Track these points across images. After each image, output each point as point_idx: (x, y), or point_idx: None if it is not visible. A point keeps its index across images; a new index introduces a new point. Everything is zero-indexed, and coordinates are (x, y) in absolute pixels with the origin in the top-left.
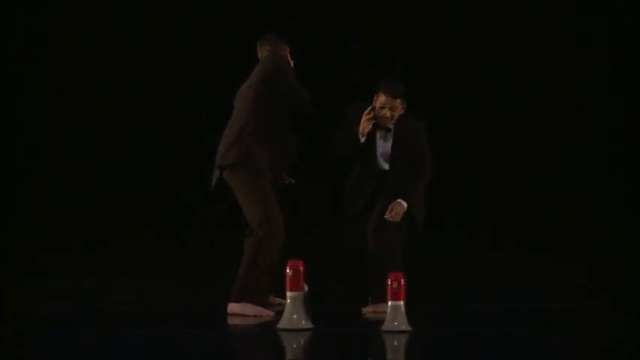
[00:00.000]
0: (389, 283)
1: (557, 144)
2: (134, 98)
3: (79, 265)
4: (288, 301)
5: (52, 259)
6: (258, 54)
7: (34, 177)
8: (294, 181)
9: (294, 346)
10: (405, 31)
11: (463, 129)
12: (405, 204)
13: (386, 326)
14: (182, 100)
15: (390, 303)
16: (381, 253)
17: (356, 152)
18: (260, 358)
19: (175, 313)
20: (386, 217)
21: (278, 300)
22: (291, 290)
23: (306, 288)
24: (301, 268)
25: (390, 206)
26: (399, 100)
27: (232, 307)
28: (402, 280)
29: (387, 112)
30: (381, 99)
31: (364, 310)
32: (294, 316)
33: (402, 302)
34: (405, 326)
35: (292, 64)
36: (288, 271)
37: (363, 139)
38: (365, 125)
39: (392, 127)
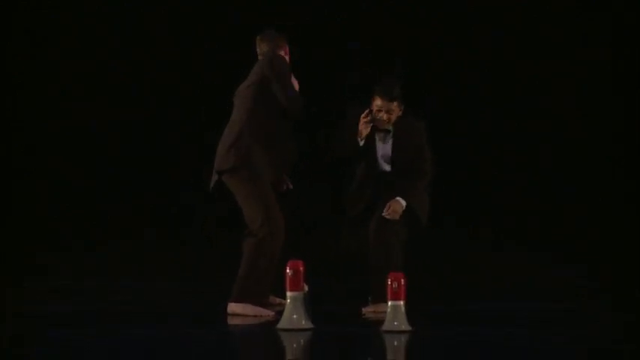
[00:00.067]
0: (389, 283)
1: (557, 144)
2: (134, 98)
3: (79, 265)
4: (288, 301)
5: (52, 259)
6: (257, 49)
7: (34, 177)
8: (291, 186)
9: (294, 346)
10: (405, 31)
11: (463, 129)
12: (403, 202)
13: (386, 326)
14: (182, 100)
15: (390, 303)
16: (381, 253)
17: (355, 154)
18: (260, 358)
19: (175, 313)
20: (384, 214)
21: (278, 300)
22: (291, 290)
23: (306, 288)
24: (301, 268)
25: (388, 204)
26: (395, 103)
27: (232, 307)
28: (402, 280)
29: (383, 115)
30: (377, 102)
31: (364, 310)
32: (294, 316)
33: (402, 302)
34: (405, 326)
35: (289, 61)
36: (288, 271)
37: (362, 143)
38: (363, 129)
39: (391, 128)
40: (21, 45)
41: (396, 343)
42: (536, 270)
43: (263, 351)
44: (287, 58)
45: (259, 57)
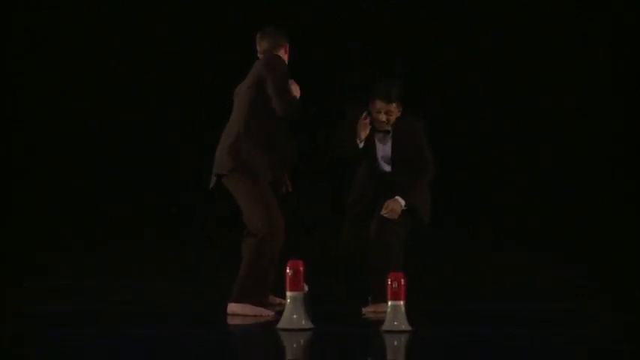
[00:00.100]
0: (389, 283)
1: (557, 144)
2: (134, 98)
3: (79, 265)
4: (288, 301)
5: (52, 259)
6: (257, 46)
7: (34, 177)
8: (291, 189)
9: (294, 346)
10: (405, 31)
11: (463, 129)
12: (402, 201)
13: (386, 326)
14: (182, 100)
15: (390, 303)
16: (381, 253)
17: (356, 155)
18: (260, 358)
19: (175, 313)
20: (382, 213)
21: (278, 300)
22: (291, 290)
23: (306, 288)
24: (301, 268)
25: (386, 203)
26: (394, 104)
27: (232, 307)
28: (402, 280)
29: (383, 117)
30: (376, 104)
31: (364, 310)
32: (294, 316)
33: (402, 302)
34: (405, 326)
35: (287, 59)
36: (288, 271)
37: (361, 145)
38: (362, 131)
39: (390, 129)
40: (21, 45)
41: (396, 343)
42: (536, 270)
43: (263, 351)
44: (286, 56)
45: (259, 55)
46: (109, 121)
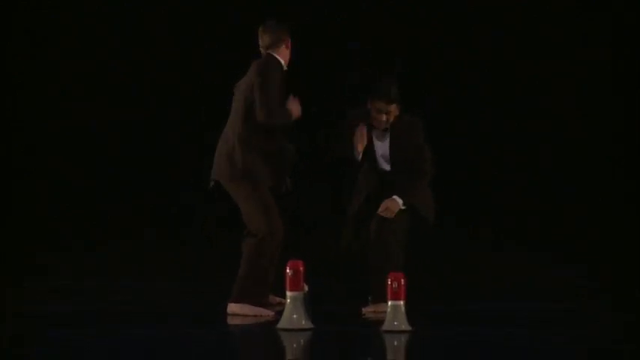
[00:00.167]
0: (389, 283)
1: (557, 144)
2: (134, 98)
3: (79, 265)
4: (288, 300)
5: (52, 259)
6: (259, 41)
7: (34, 177)
8: (291, 189)
9: (294, 345)
10: (405, 31)
11: (463, 129)
12: (399, 201)
13: (386, 326)
14: (182, 100)
15: (390, 303)
16: (381, 253)
17: (354, 164)
18: (260, 358)
19: (175, 313)
20: (379, 212)
21: (277, 299)
22: (291, 290)
23: (306, 288)
24: (301, 268)
25: (383, 203)
26: (394, 105)
27: (232, 307)
28: (402, 280)
29: (383, 117)
30: (375, 105)
31: (364, 310)
32: (294, 316)
33: (402, 302)
34: (405, 326)
35: (289, 54)
36: (288, 271)
37: (359, 157)
38: (359, 143)
39: (388, 126)
40: (21, 45)
41: (396, 343)
42: (536, 270)
43: (263, 351)
44: (288, 51)
45: (261, 50)
46: (109, 121)
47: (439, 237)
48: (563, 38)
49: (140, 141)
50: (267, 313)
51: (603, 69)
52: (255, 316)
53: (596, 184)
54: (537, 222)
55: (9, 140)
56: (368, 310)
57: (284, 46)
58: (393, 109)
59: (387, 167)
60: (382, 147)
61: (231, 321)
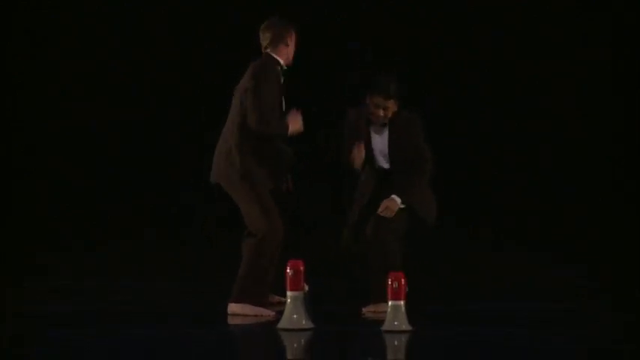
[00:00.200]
0: (389, 283)
1: (557, 144)
2: (134, 98)
3: (79, 265)
4: (289, 300)
5: (52, 259)
6: (261, 41)
7: (34, 177)
8: (292, 188)
9: (295, 345)
10: (405, 31)
11: (463, 129)
12: (398, 200)
13: (386, 326)
14: (182, 100)
15: (390, 303)
16: (379, 253)
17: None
18: (260, 357)
19: (175, 313)
20: (378, 212)
21: (277, 298)
22: (291, 290)
23: (306, 288)
24: (302, 268)
25: (383, 202)
26: (392, 100)
27: (232, 307)
28: (403, 280)
29: (380, 112)
30: (374, 100)
31: (364, 309)
32: (295, 316)
33: (402, 302)
34: (405, 326)
35: (292, 51)
36: (288, 270)
37: (358, 169)
38: (357, 160)
39: (386, 122)
40: (21, 45)
41: (396, 342)
42: (536, 270)
43: (263, 351)
44: (289, 48)
45: (262, 49)
46: (109, 121)
47: (439, 237)
48: (563, 38)
49: (140, 141)
50: (268, 313)
51: (603, 69)
52: (255, 315)
53: (596, 184)
54: (537, 222)
55: (9, 140)
56: (368, 310)
57: (282, 44)
58: (391, 104)
59: (384, 164)
60: (380, 143)
61: (231, 321)
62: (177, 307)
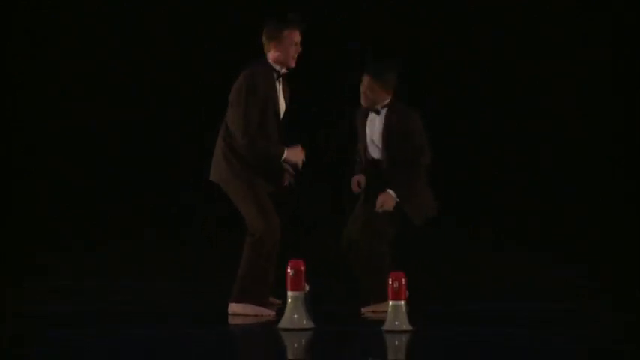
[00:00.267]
0: (389, 282)
1: (557, 144)
2: (134, 98)
3: (79, 265)
4: (289, 300)
5: (52, 259)
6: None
7: (34, 177)
8: (294, 186)
9: (295, 345)
10: (405, 31)
11: (463, 129)
12: (393, 194)
13: (387, 326)
14: (182, 100)
15: (391, 302)
16: (365, 256)
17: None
18: (260, 357)
19: (175, 313)
20: (376, 209)
21: (278, 300)
22: (292, 290)
23: (307, 287)
24: (302, 268)
25: (378, 199)
26: (378, 83)
27: (233, 307)
28: (403, 280)
29: (364, 89)
30: (364, 77)
31: (364, 309)
32: (295, 316)
33: (403, 302)
34: (405, 326)
35: (287, 52)
36: (289, 270)
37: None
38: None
39: (380, 109)
40: (21, 45)
41: (397, 342)
42: (536, 270)
43: (264, 350)
44: (282, 50)
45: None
46: (109, 121)
47: (439, 237)
48: (563, 38)
49: (140, 141)
50: (268, 313)
51: (603, 69)
52: (255, 315)
53: (596, 184)
54: (537, 222)
55: (9, 140)
56: (368, 310)
57: (273, 46)
58: (377, 87)
59: (376, 155)
60: (373, 132)
61: (231, 321)
62: (177, 307)
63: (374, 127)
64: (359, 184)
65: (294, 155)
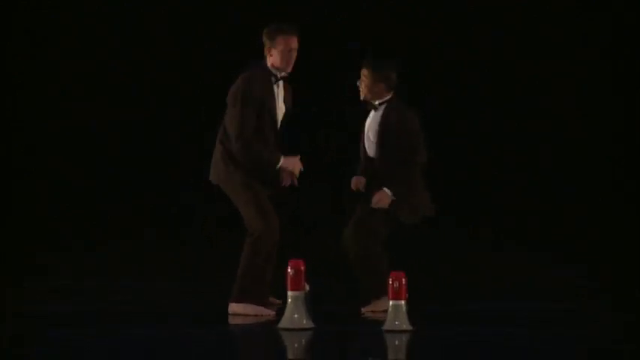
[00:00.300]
0: (390, 282)
1: (557, 144)
2: (134, 98)
3: (79, 265)
4: (289, 300)
5: (52, 259)
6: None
7: (34, 177)
8: (296, 183)
9: (296, 345)
10: (405, 31)
11: (463, 129)
12: (389, 192)
13: (387, 326)
14: (182, 100)
15: (391, 302)
16: (362, 257)
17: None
18: (261, 357)
19: (175, 313)
20: (372, 205)
21: (278, 300)
22: (292, 290)
23: (307, 287)
24: (302, 268)
25: (373, 197)
26: (374, 76)
27: (233, 307)
28: (403, 280)
29: (362, 84)
30: (362, 70)
31: (364, 309)
32: (295, 316)
33: (403, 302)
34: (406, 326)
35: (285, 56)
36: (289, 270)
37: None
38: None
39: (378, 107)
40: (21, 45)
41: (397, 342)
42: (536, 270)
43: (264, 350)
44: (280, 54)
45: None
46: (109, 121)
47: (439, 237)
48: (563, 38)
49: (140, 141)
50: (268, 313)
51: (603, 69)
52: (255, 315)
53: (596, 184)
54: (537, 222)
55: (9, 140)
56: (367, 310)
57: (269, 51)
58: (371, 80)
59: (371, 152)
60: (371, 128)
61: (231, 321)
62: (177, 307)
63: (371, 123)
64: (358, 185)
65: (291, 164)
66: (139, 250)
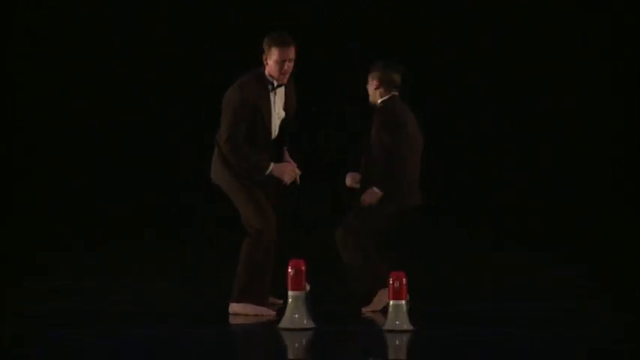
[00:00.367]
0: (390, 282)
1: (557, 144)
2: (134, 98)
3: (79, 265)
4: (290, 300)
5: (52, 259)
6: None
7: (34, 177)
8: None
9: (296, 345)
10: (405, 31)
11: (463, 129)
12: (376, 190)
13: (387, 325)
14: (182, 100)
15: (391, 302)
16: (351, 259)
17: None
18: (261, 357)
19: (175, 313)
20: (361, 204)
21: (278, 300)
22: (292, 289)
23: (307, 287)
24: (303, 268)
25: (362, 196)
26: (371, 75)
27: (233, 307)
28: (404, 280)
29: (371, 88)
30: (369, 76)
31: (364, 309)
32: (296, 316)
33: (403, 302)
34: (406, 326)
35: (278, 67)
36: (290, 270)
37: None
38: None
39: (377, 106)
40: (21, 45)
41: (397, 342)
42: (536, 270)
43: (264, 350)
44: (273, 65)
45: None
46: (109, 121)
47: (439, 237)
48: (563, 38)
49: (140, 141)
50: (269, 313)
51: (603, 69)
52: (256, 315)
53: (596, 184)
54: (537, 222)
55: (9, 140)
56: (367, 310)
57: (264, 59)
58: (371, 78)
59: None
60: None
61: (231, 321)
62: (177, 307)
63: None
64: (352, 181)
65: (280, 171)
66: (139, 250)
